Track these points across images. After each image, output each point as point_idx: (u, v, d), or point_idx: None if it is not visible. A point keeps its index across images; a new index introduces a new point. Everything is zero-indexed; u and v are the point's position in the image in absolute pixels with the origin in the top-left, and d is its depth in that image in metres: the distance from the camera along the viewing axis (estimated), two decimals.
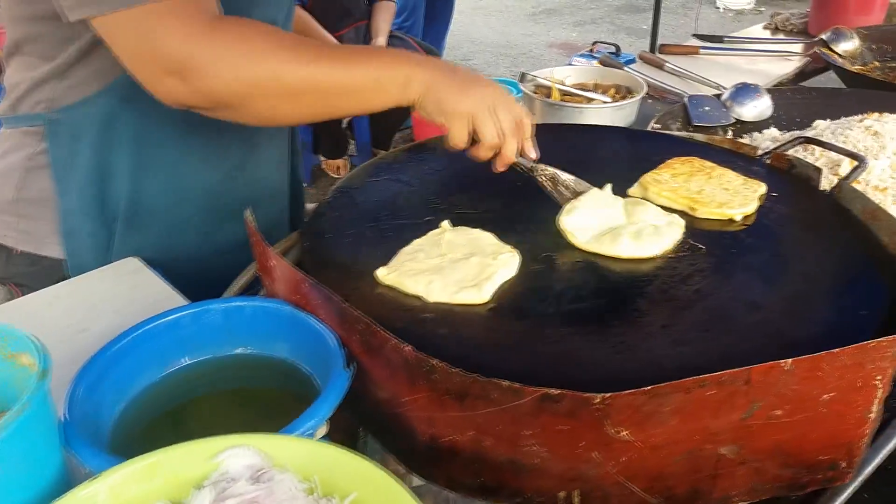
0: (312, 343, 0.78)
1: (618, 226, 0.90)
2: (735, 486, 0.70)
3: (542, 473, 0.68)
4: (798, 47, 2.27)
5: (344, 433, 0.93)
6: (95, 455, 0.62)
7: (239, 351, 0.83)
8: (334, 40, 3.19)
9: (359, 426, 0.84)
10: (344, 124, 3.66)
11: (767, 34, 2.51)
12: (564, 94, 1.72)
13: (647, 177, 1.01)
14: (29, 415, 0.58)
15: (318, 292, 0.76)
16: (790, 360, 0.64)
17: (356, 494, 0.59)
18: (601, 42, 3.73)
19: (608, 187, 0.98)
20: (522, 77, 1.72)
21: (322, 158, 3.64)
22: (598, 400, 0.61)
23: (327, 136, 3.51)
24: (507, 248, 0.88)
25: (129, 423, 0.75)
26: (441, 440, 0.70)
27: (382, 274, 0.83)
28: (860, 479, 0.78)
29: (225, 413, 0.78)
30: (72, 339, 0.94)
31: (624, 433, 0.64)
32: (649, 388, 0.61)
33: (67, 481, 0.64)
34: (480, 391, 0.64)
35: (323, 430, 0.80)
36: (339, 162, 3.54)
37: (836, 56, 2.06)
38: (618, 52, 3.39)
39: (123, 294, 1.05)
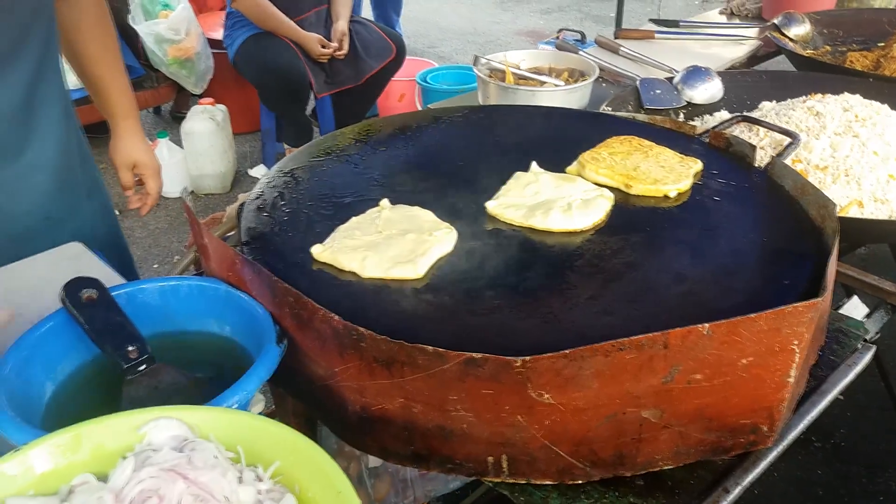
0: (247, 320, 0.79)
1: (548, 200, 0.92)
2: (659, 451, 0.72)
3: (471, 439, 0.69)
4: (752, 31, 2.31)
5: (301, 418, 0.94)
6: (19, 428, 0.62)
7: (176, 329, 0.83)
8: (293, 24, 3.17)
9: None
10: (308, 111, 3.64)
11: (723, 19, 2.55)
12: (519, 77, 1.74)
13: (586, 155, 1.03)
14: None
15: (250, 268, 0.77)
16: (707, 324, 0.66)
17: (280, 463, 0.59)
18: (567, 29, 3.74)
19: (534, 164, 0.99)
20: (476, 60, 1.72)
21: (286, 146, 3.61)
22: (518, 363, 0.63)
23: (291, 123, 3.49)
24: (445, 225, 0.89)
25: (62, 401, 0.75)
26: (372, 409, 0.71)
27: (317, 251, 0.84)
28: (784, 443, 0.80)
29: (160, 390, 0.78)
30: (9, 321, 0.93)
31: (546, 396, 0.65)
32: (569, 351, 0.63)
33: None
34: (407, 357, 0.66)
35: (259, 407, 0.81)
36: None
37: (787, 40, 2.09)
38: (583, 40, 3.40)
39: (64, 278, 1.04)
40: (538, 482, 0.71)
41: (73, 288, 0.79)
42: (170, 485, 0.54)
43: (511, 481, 0.71)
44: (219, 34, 3.57)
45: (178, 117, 3.96)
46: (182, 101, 4.08)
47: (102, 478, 0.59)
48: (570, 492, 0.72)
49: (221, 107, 3.46)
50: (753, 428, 0.75)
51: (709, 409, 0.71)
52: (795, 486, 2.00)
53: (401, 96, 3.93)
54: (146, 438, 0.61)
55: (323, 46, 3.22)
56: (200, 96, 3.71)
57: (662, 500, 0.72)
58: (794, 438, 0.82)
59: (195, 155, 3.42)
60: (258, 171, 3.68)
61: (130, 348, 0.75)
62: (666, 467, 0.74)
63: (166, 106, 4.24)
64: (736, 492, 0.74)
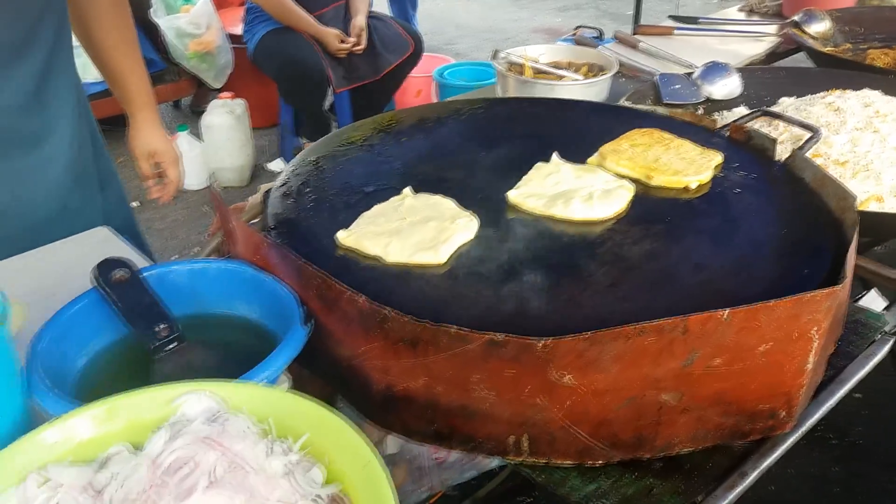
0: (274, 303, 0.80)
1: (569, 190, 0.93)
2: (678, 434, 0.73)
3: (492, 418, 0.71)
4: (771, 28, 2.30)
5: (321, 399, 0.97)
6: (55, 400, 0.65)
7: (204, 311, 0.85)
8: (312, 19, 3.19)
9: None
10: (326, 106, 3.66)
11: (742, 16, 2.54)
12: (538, 71, 1.75)
13: (607, 147, 1.04)
14: None
15: (277, 252, 0.78)
16: (727, 310, 0.67)
17: (308, 436, 0.61)
18: (584, 26, 3.74)
19: (555, 155, 1.01)
20: (495, 54, 1.73)
21: (304, 140, 3.64)
22: (541, 345, 0.64)
23: (309, 117, 3.52)
24: (467, 213, 0.91)
25: (94, 376, 0.77)
26: (396, 388, 0.72)
27: (342, 236, 0.86)
28: (801, 430, 0.81)
29: (190, 368, 0.80)
30: (40, 303, 0.96)
31: (567, 378, 0.66)
32: (590, 333, 0.64)
33: (30, 427, 0.66)
34: (431, 337, 0.67)
35: (285, 387, 0.83)
36: None
37: (807, 37, 2.09)
38: (601, 37, 3.40)
39: (92, 261, 1.06)
40: (558, 462, 0.72)
41: (105, 268, 0.81)
42: (204, 453, 0.56)
43: (531, 461, 0.73)
44: (238, 29, 3.61)
45: (197, 111, 4.00)
46: (202, 95, 4.12)
47: (138, 448, 0.61)
48: (589, 473, 0.73)
49: (240, 101, 3.50)
50: (772, 413, 0.76)
51: (727, 394, 0.72)
52: (811, 483, 1.99)
53: (418, 92, 3.95)
54: (180, 410, 0.63)
55: (341, 41, 3.24)
56: (220, 90, 3.74)
57: (680, 482, 0.73)
58: (812, 425, 0.82)
59: (214, 148, 3.46)
60: (276, 165, 3.72)
61: (161, 327, 0.77)
62: (684, 450, 0.75)
63: (185, 100, 4.28)
64: (753, 476, 0.75)
